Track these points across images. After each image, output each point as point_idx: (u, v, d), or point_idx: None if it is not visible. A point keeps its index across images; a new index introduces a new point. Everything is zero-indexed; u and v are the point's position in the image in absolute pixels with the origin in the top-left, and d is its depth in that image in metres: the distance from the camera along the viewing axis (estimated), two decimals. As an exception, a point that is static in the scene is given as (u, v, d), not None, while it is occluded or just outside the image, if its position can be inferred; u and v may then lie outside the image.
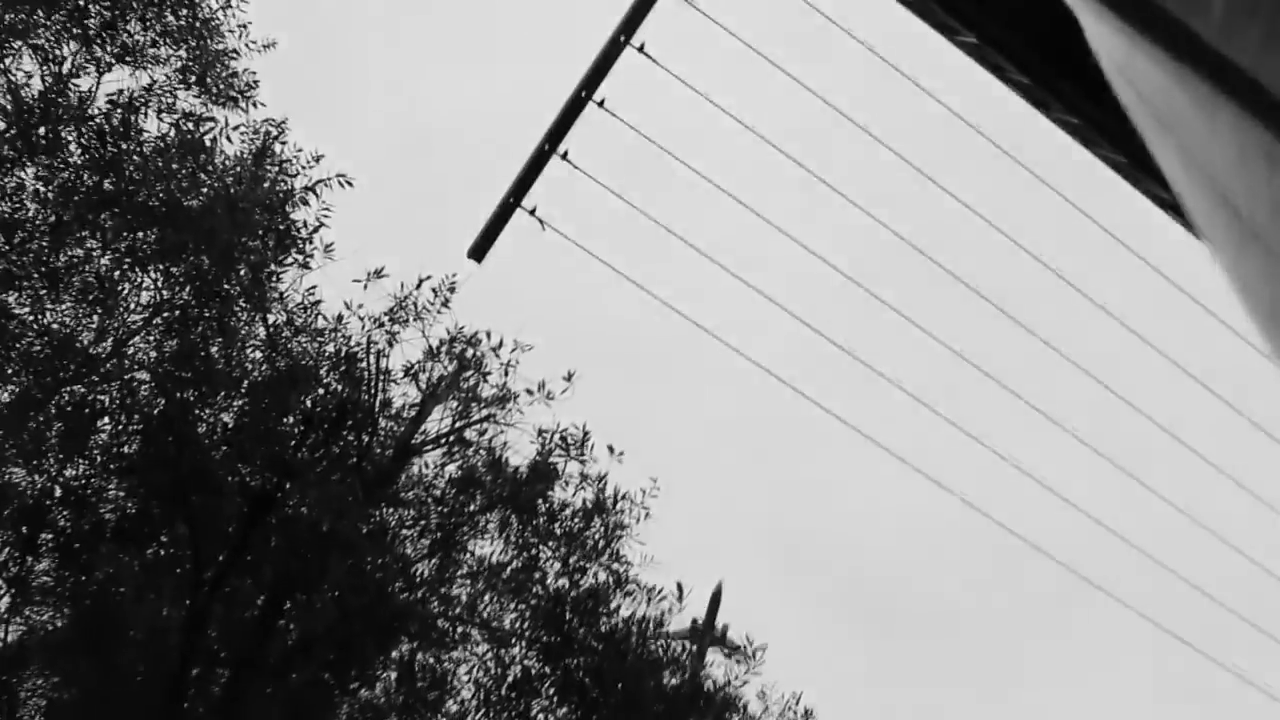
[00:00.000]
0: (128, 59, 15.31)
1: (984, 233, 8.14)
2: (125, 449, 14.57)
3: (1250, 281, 1.11)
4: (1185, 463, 9.21)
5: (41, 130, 14.73)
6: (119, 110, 15.08)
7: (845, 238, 9.48)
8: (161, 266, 14.92)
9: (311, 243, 15.32)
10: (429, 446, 15.32)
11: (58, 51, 15.07)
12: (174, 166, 14.86)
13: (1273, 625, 10.09)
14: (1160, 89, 1.54)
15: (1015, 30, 4.40)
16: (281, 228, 15.14)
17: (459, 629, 15.03)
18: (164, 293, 15.09)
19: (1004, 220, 8.16)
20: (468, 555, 15.31)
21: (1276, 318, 1.04)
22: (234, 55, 15.93)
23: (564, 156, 7.63)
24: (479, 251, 8.17)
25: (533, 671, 14.51)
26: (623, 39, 7.38)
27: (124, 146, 14.91)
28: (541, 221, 7.79)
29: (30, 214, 14.66)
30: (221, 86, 15.74)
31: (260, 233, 14.89)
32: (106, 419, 14.54)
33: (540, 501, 15.07)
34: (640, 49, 7.45)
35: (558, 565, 14.97)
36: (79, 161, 14.93)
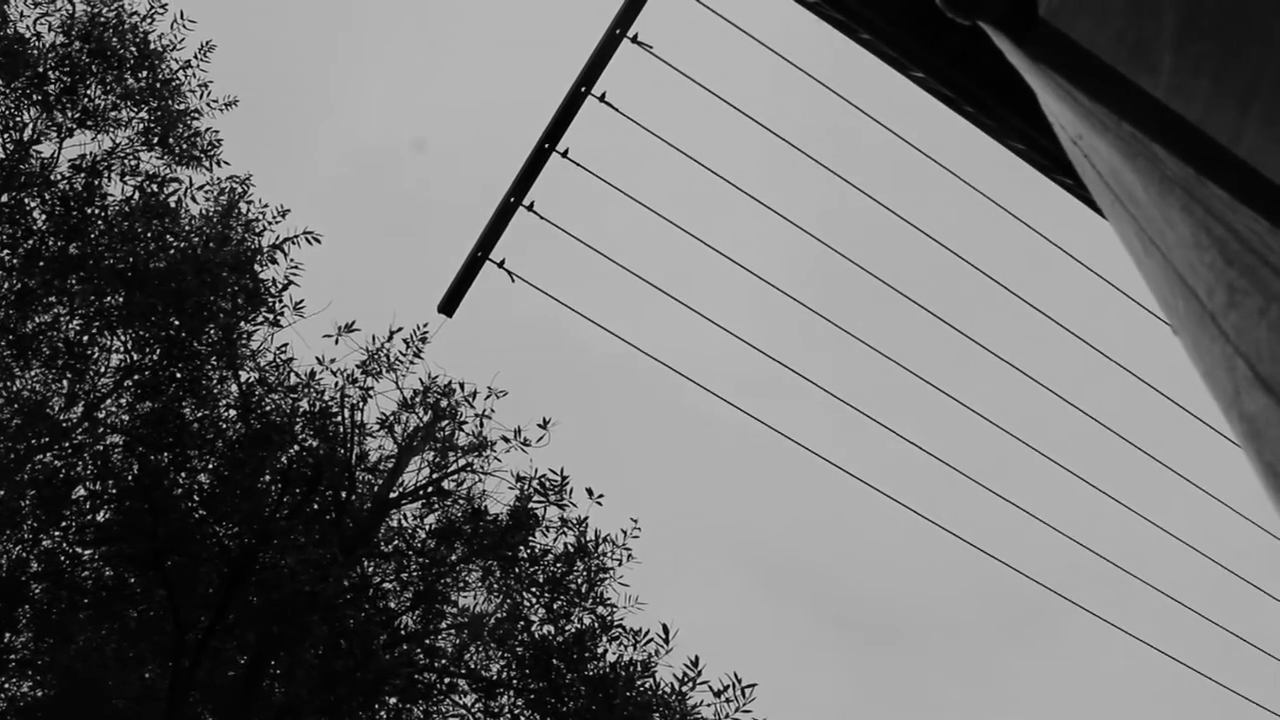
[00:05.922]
0: (89, 123, 15.30)
1: (940, 255, 8.20)
2: (101, 516, 14.42)
3: (1211, 369, 1.13)
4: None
5: (4, 198, 14.68)
6: (82, 175, 15.06)
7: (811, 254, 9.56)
8: (131, 329, 14.85)
9: (281, 300, 15.29)
10: (407, 500, 15.23)
11: (18, 118, 15.05)
12: (139, 229, 14.83)
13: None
14: (1114, 169, 1.57)
15: (963, 67, 4.46)
16: (250, 286, 15.10)
17: (445, 680, 14.91)
18: (134, 355, 15.01)
19: (953, 237, 8.23)
20: (451, 606, 15.21)
21: (1237, 406, 1.05)
22: (196, 115, 15.95)
23: (530, 208, 7.65)
24: (449, 305, 8.16)
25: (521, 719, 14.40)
26: (584, 89, 7.44)
27: (89, 211, 14.88)
28: (510, 274, 7.80)
29: (-4, 282, 14.59)
30: (184, 147, 15.74)
31: (229, 292, 14.85)
32: (81, 487, 14.40)
33: (521, 548, 14.99)
34: (601, 98, 7.50)
35: (542, 612, 14.88)
36: (44, 227, 14.87)
